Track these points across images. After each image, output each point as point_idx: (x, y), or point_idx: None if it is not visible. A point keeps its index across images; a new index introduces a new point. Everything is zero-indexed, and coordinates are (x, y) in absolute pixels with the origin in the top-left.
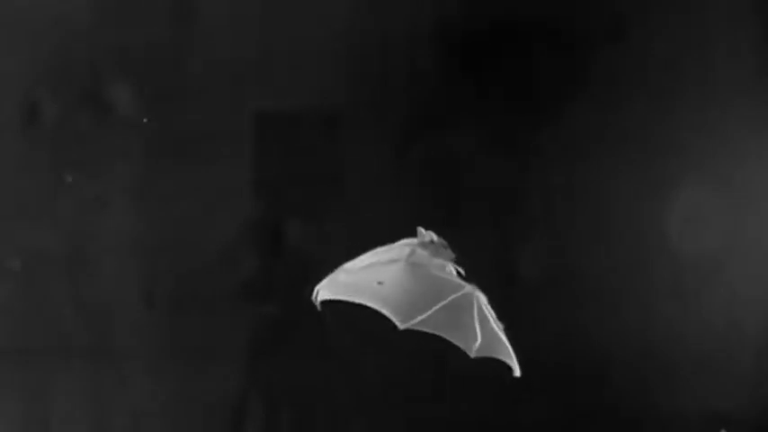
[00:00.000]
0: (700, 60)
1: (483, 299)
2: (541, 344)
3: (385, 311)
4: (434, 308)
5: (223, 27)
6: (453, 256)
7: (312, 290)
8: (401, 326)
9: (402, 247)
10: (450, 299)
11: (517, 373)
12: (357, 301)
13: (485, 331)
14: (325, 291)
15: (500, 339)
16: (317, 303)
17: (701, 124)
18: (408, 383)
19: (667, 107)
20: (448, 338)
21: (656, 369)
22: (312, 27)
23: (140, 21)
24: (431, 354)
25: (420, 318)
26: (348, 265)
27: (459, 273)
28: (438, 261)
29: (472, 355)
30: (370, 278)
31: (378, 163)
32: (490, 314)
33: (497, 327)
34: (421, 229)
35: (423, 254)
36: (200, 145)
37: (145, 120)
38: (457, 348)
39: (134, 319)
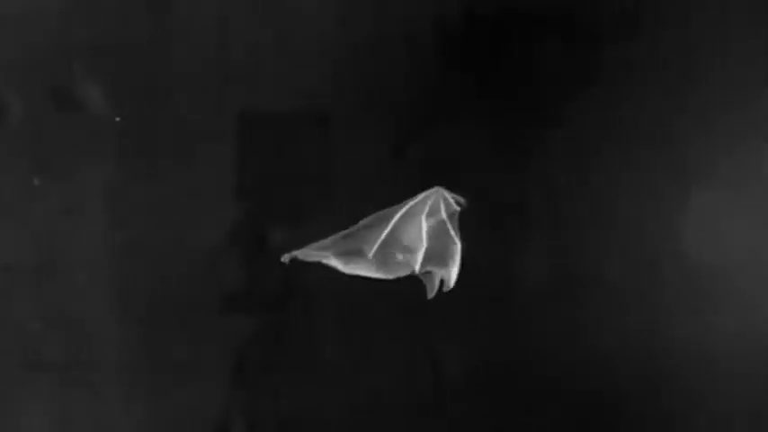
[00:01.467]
0: (717, 58)
1: (448, 195)
2: (544, 352)
3: (354, 243)
4: (393, 219)
5: (204, 20)
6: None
7: (299, 301)
8: (369, 254)
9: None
10: (408, 205)
11: (451, 284)
12: (324, 251)
13: (435, 239)
14: (302, 252)
15: (448, 250)
16: (287, 258)
17: (717, 124)
18: (403, 399)
19: (681, 106)
20: (399, 255)
21: (666, 378)
22: (300, 20)
23: (114, 13)
24: (427, 366)
25: (379, 240)
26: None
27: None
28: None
29: (417, 268)
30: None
31: (371, 164)
32: (450, 224)
33: (451, 225)
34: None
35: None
36: (179, 146)
37: (118, 119)
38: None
39: (107, 333)
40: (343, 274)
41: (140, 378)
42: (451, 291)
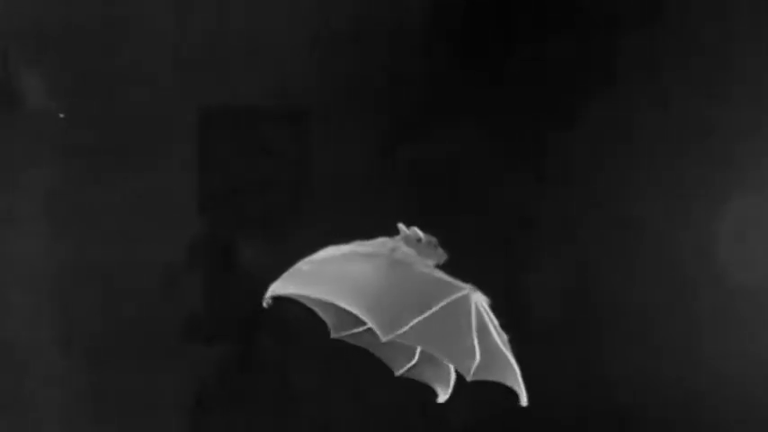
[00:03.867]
0: (750, 49)
1: (483, 302)
2: (559, 387)
3: (362, 314)
4: (424, 314)
5: (165, 5)
6: (445, 257)
7: (271, 326)
8: (384, 337)
9: (382, 244)
10: (443, 303)
11: (524, 401)
12: (324, 297)
13: (485, 345)
14: (282, 285)
15: (504, 357)
16: (268, 300)
17: (751, 127)
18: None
19: (711, 105)
20: (439, 355)
21: (696, 414)
22: (275, 7)
23: None
24: (417, 409)
25: (407, 326)
26: (313, 257)
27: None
28: (426, 262)
29: (469, 377)
30: (343, 270)
31: (355, 168)
32: (492, 323)
33: (500, 340)
34: (402, 226)
35: (408, 252)
36: (134, 146)
37: (62, 115)
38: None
39: (49, 365)
40: None
41: (86, 418)
42: None
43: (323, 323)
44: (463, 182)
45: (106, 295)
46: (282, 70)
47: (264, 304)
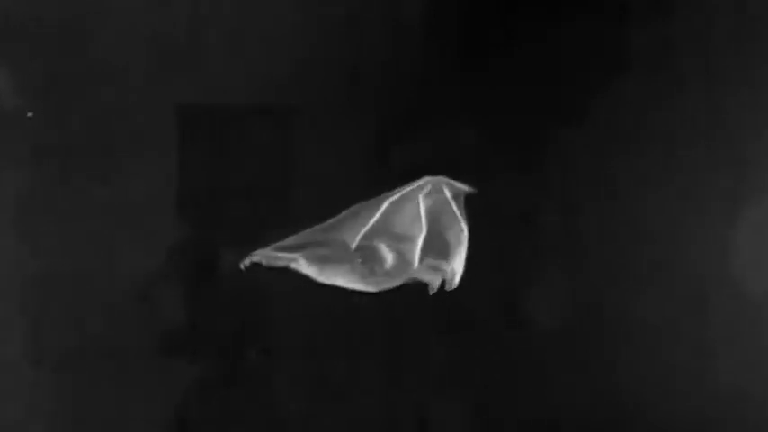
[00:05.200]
0: None
1: (446, 188)
2: (561, 405)
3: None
4: (381, 208)
5: None
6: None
7: (257, 342)
8: (352, 245)
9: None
10: (399, 193)
11: (456, 281)
12: (292, 253)
13: (435, 224)
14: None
15: (452, 237)
16: (243, 265)
17: None
18: None
19: (725, 102)
20: (390, 248)
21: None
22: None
23: None
24: (404, 416)
25: (365, 228)
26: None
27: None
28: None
29: (414, 259)
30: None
31: (344, 172)
32: (455, 205)
33: (456, 221)
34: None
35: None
36: (107, 148)
37: (30, 114)
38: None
39: (16, 380)
40: (314, 307)
41: None
42: (442, 336)
43: (316, 337)
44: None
45: (79, 307)
46: (267, 65)
47: (241, 265)
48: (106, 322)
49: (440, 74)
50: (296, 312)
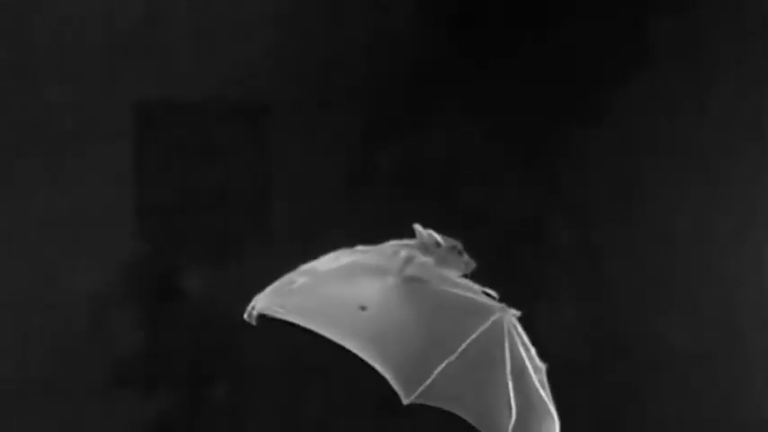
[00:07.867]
0: None
1: (516, 324)
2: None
3: (376, 364)
4: (455, 354)
5: None
6: (473, 264)
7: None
8: (406, 399)
9: (392, 253)
10: (473, 335)
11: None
12: (322, 332)
13: (521, 389)
14: (268, 300)
15: (542, 405)
16: (253, 317)
17: None
18: None
19: (756, 102)
20: (467, 416)
21: None
22: None
23: None
24: None
25: (432, 375)
26: (309, 266)
27: (485, 293)
28: (447, 274)
29: None
30: (345, 293)
31: (325, 177)
32: (527, 353)
33: (537, 378)
34: (419, 227)
35: (424, 262)
36: (53, 149)
37: None
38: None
39: None
40: (283, 333)
41: None
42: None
43: (296, 367)
44: (459, 188)
45: (22, 334)
46: (237, 57)
47: (246, 316)
48: (54, 349)
49: (437, 68)
50: (265, 338)
